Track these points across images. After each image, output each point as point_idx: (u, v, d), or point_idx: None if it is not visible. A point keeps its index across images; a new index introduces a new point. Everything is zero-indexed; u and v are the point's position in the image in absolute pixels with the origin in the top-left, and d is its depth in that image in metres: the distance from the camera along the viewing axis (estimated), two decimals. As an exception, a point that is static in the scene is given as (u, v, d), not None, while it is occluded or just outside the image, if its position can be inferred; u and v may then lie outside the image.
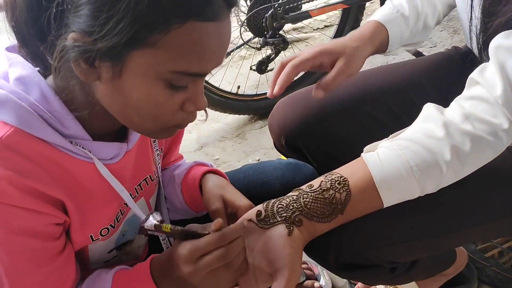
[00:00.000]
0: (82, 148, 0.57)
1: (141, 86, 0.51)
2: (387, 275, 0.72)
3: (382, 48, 0.86)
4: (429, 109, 0.65)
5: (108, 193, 0.63)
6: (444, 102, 0.67)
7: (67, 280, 0.61)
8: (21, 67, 0.57)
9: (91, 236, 0.64)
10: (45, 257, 0.58)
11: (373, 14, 0.88)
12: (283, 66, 0.79)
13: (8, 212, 0.52)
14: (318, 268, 1.19)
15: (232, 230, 0.58)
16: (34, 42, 0.54)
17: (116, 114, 0.56)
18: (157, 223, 0.59)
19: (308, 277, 1.16)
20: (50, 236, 0.58)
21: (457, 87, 0.68)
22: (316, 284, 1.14)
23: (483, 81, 0.62)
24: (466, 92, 0.65)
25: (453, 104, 0.65)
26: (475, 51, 0.82)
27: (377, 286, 1.10)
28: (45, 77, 0.58)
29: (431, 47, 2.19)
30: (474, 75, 0.64)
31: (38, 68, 0.58)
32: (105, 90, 0.53)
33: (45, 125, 0.54)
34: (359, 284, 1.13)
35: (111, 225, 0.66)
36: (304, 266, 1.20)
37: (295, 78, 0.84)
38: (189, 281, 0.58)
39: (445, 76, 0.93)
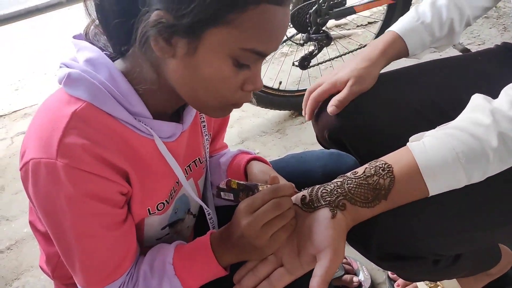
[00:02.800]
0: (145, 125, 0.62)
1: (212, 62, 0.56)
2: (430, 268, 0.71)
3: (401, 55, 0.91)
4: (476, 99, 0.65)
5: (164, 169, 0.67)
6: (495, 97, 0.66)
7: (130, 248, 0.66)
8: (89, 50, 0.62)
9: (148, 209, 0.68)
10: (113, 222, 0.62)
11: (396, 22, 0.92)
12: (309, 94, 0.93)
13: (82, 177, 0.57)
14: (357, 264, 1.19)
15: (285, 185, 0.63)
16: (116, 20, 0.58)
17: (183, 89, 0.60)
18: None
19: (347, 272, 1.17)
20: (117, 204, 0.62)
21: (508, 81, 0.67)
22: (355, 279, 1.14)
23: None
24: None
25: (501, 93, 0.64)
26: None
27: (417, 283, 1.09)
28: (112, 61, 0.62)
29: (479, 44, 2.12)
30: None
31: (105, 52, 0.63)
32: (178, 66, 0.57)
33: (114, 102, 0.59)
34: (399, 280, 1.12)
35: (166, 201, 0.70)
36: (343, 261, 1.20)
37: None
38: (247, 234, 0.60)
39: (495, 71, 0.91)
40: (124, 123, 0.61)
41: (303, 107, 0.95)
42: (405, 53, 0.90)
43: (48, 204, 0.59)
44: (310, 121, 0.97)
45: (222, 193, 0.68)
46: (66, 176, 0.56)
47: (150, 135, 0.63)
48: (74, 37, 0.66)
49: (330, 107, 0.87)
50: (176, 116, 0.70)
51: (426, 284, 1.07)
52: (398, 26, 0.90)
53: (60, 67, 0.62)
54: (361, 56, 0.89)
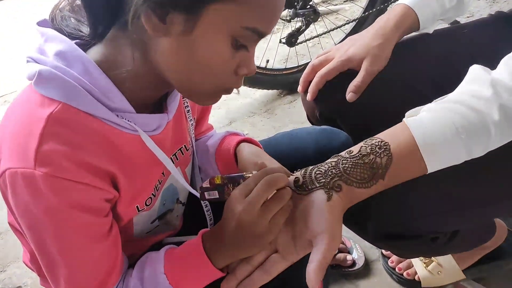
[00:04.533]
0: (128, 121, 0.57)
1: (211, 41, 0.52)
2: (427, 246, 0.70)
3: (413, 29, 0.86)
4: (475, 71, 0.62)
5: (150, 162, 0.63)
6: (492, 68, 0.63)
7: (117, 261, 0.61)
8: (58, 41, 0.56)
9: (137, 206, 0.64)
10: (99, 233, 0.58)
11: None
12: (314, 69, 0.86)
13: (64, 186, 0.52)
14: (350, 242, 1.18)
15: (276, 167, 0.59)
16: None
17: (174, 73, 0.56)
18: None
19: (340, 250, 1.15)
20: (101, 212, 0.58)
21: (504, 51, 0.64)
22: (349, 257, 1.13)
23: None
24: None
25: (501, 64, 0.61)
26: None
27: (411, 259, 1.08)
28: (85, 49, 0.57)
29: (468, 16, 2.10)
30: None
31: (74, 41, 0.58)
32: (171, 47, 0.53)
33: (92, 99, 0.54)
34: (393, 257, 1.11)
35: (152, 194, 0.66)
36: (337, 240, 1.18)
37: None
38: (244, 222, 0.56)
39: (491, 40, 0.88)
40: (105, 121, 0.56)
41: (301, 82, 0.89)
42: (416, 27, 0.86)
43: (28, 217, 0.55)
44: (300, 99, 0.93)
45: (206, 193, 0.63)
46: (46, 186, 0.51)
47: (135, 130, 0.59)
48: (39, 24, 0.59)
49: (349, 94, 0.81)
50: (159, 105, 0.66)
51: (421, 260, 1.06)
52: None
53: (28, 61, 0.56)
54: (373, 31, 0.84)
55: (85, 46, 0.59)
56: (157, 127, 0.62)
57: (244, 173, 0.62)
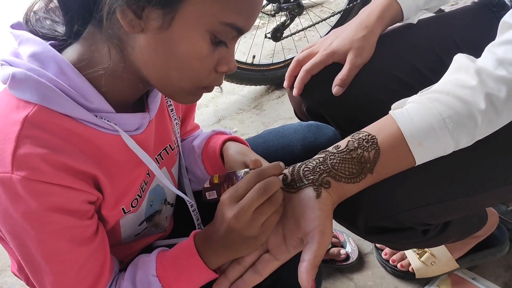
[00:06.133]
0: (107, 121, 0.56)
1: (189, 37, 0.51)
2: (419, 238, 0.70)
3: (396, 20, 0.85)
4: (460, 60, 0.61)
5: (133, 162, 0.62)
6: (477, 56, 0.62)
7: (105, 264, 0.60)
8: (32, 43, 0.55)
9: (123, 208, 0.63)
10: (83, 236, 0.56)
11: None
12: (298, 64, 0.86)
13: (43, 190, 0.51)
14: (343, 236, 1.17)
15: (269, 166, 0.57)
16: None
17: (152, 71, 0.55)
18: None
19: (334, 245, 1.15)
20: (84, 214, 0.56)
21: (488, 39, 0.64)
22: (342, 251, 1.13)
23: None
24: (498, 38, 0.61)
25: (485, 51, 0.61)
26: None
27: (405, 251, 1.08)
28: (61, 50, 0.56)
29: (452, 4, 2.10)
30: (507, 17, 0.60)
31: (49, 42, 0.56)
32: (148, 43, 0.52)
33: (68, 100, 0.53)
34: (387, 249, 1.11)
35: (138, 195, 0.65)
36: (329, 235, 1.18)
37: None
38: (235, 227, 0.55)
39: (476, 28, 0.87)
40: (83, 122, 0.54)
41: (287, 77, 0.88)
42: (399, 18, 0.85)
43: (9, 223, 0.53)
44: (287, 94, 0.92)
45: (206, 193, 0.61)
46: (25, 190, 0.50)
47: (115, 130, 0.57)
48: (12, 26, 0.58)
49: (335, 88, 0.80)
50: (140, 104, 0.64)
51: (414, 251, 1.06)
52: None
53: (2, 65, 0.55)
54: (356, 23, 0.83)
55: (61, 46, 0.57)
56: (138, 126, 0.61)
57: (237, 170, 0.61)
